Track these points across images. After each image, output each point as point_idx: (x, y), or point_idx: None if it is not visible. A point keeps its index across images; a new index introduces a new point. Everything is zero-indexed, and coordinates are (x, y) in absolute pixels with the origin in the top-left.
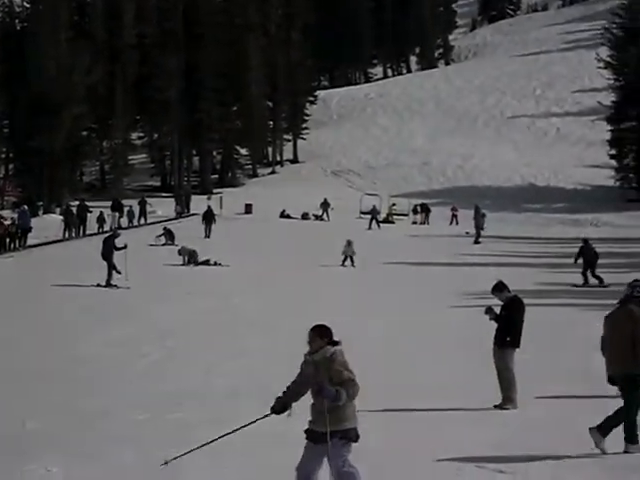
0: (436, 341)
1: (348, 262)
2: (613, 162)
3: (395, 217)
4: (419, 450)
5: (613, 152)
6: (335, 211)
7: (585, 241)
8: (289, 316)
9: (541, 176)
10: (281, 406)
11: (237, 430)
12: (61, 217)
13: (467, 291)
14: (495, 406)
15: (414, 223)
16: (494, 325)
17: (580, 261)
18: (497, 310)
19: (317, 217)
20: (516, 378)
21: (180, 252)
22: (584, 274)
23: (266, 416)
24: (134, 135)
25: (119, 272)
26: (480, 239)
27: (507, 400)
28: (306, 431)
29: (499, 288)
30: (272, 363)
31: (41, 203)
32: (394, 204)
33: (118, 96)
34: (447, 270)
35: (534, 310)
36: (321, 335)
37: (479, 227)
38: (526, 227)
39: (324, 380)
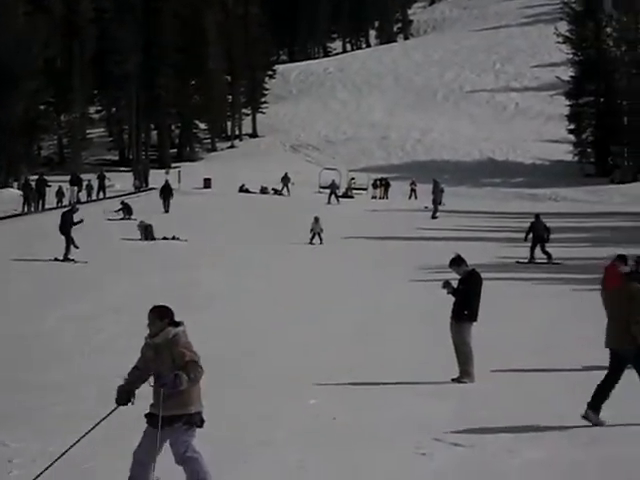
0: (394, 315)
1: (316, 239)
2: (571, 137)
3: (354, 192)
4: (377, 423)
5: (572, 127)
6: (294, 186)
7: (537, 216)
8: (248, 290)
9: (500, 151)
10: (125, 396)
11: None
12: (19, 191)
13: (425, 265)
14: (453, 379)
15: (374, 198)
16: (451, 299)
17: (530, 237)
18: (454, 284)
19: (276, 192)
20: (473, 352)
21: (139, 227)
22: (532, 250)
23: (114, 410)
24: (92, 109)
25: (77, 247)
26: (438, 214)
27: (464, 373)
28: (146, 415)
29: (457, 262)
30: (232, 335)
31: None
32: (353, 178)
33: (76, 70)
34: (406, 244)
35: (491, 284)
36: (161, 316)
37: (437, 202)
38: (485, 202)
39: (163, 367)
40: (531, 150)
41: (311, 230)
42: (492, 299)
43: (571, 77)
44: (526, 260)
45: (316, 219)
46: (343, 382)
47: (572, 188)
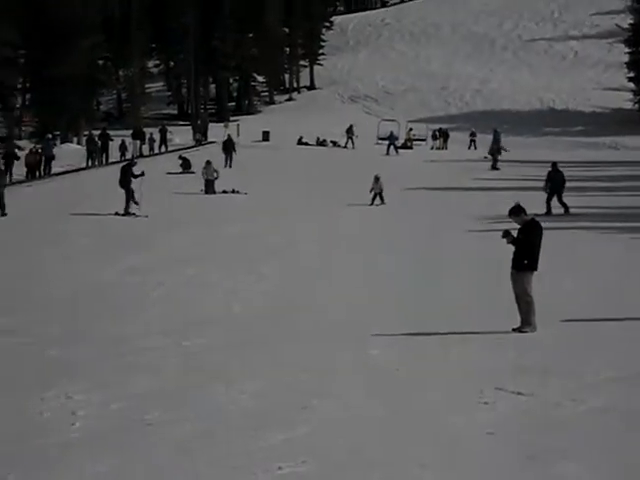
0: (454, 266)
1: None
2: (631, 85)
3: (413, 142)
4: (438, 373)
5: (631, 75)
6: (358, 138)
7: (554, 165)
8: (308, 242)
9: (559, 100)
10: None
11: None
12: (79, 146)
13: (485, 215)
14: (514, 329)
15: (433, 148)
16: (512, 249)
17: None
18: (515, 234)
19: (334, 144)
20: (534, 301)
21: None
22: (548, 201)
23: None
24: (150, 63)
25: (136, 203)
26: (498, 165)
27: (526, 323)
28: None
29: (516, 211)
30: (290, 288)
31: (58, 133)
32: (411, 129)
33: (134, 24)
34: (466, 195)
35: (552, 233)
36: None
37: (496, 153)
38: (545, 151)
39: None
40: (591, 99)
41: (371, 190)
42: (553, 248)
43: (630, 24)
44: (543, 212)
45: (376, 178)
46: (403, 332)
47: (632, 136)
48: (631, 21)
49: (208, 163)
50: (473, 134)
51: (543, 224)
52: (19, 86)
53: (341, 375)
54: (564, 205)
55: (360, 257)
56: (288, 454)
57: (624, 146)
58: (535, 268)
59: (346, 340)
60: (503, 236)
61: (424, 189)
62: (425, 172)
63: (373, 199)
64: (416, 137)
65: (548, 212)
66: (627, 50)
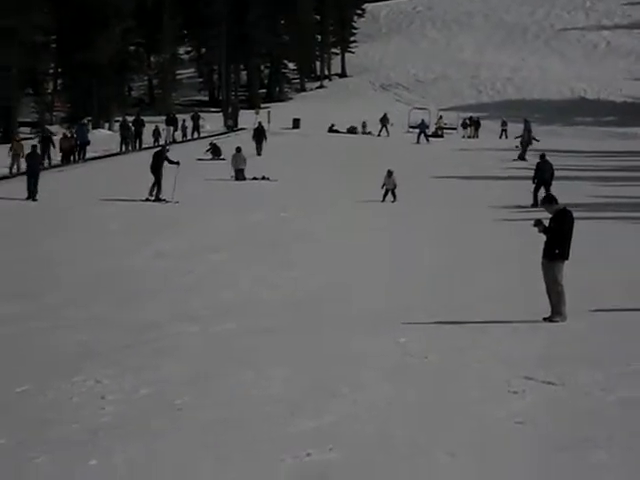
0: (484, 254)
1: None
2: None
3: (444, 131)
4: (468, 361)
5: None
6: (392, 126)
7: (542, 157)
8: (337, 229)
9: (591, 89)
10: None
11: None
12: (110, 132)
13: (516, 204)
14: (544, 319)
15: (464, 137)
16: (542, 237)
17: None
18: (546, 223)
19: (365, 132)
20: (565, 290)
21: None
22: (535, 192)
23: None
24: (182, 50)
25: (159, 188)
26: (527, 156)
27: (556, 313)
28: None
29: (548, 200)
30: (319, 274)
31: (90, 118)
32: (441, 117)
33: (166, 10)
34: (496, 184)
35: (584, 223)
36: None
37: (526, 143)
38: (576, 140)
39: None
40: (622, 88)
41: (383, 185)
42: (585, 238)
43: None
44: (530, 204)
45: (389, 173)
46: (432, 321)
47: None
48: None
49: (238, 151)
50: (504, 123)
51: (616, 211)
52: (51, 71)
53: (370, 363)
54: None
55: (388, 245)
56: (316, 441)
57: None
58: (566, 257)
59: (375, 328)
60: (534, 225)
61: (453, 177)
62: (455, 161)
63: (385, 195)
64: (447, 125)
65: (535, 204)
66: None
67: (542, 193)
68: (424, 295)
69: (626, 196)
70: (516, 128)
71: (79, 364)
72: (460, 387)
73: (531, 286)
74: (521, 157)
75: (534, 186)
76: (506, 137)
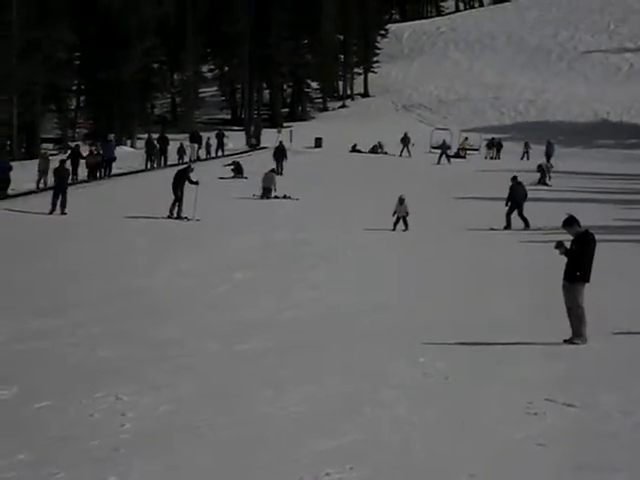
0: (505, 275)
1: (400, 225)
2: None
3: (467, 152)
4: (489, 383)
5: None
6: (414, 147)
7: (514, 179)
8: (358, 248)
9: (614, 112)
10: None
11: None
12: (131, 149)
13: (536, 226)
14: (565, 341)
15: (487, 158)
16: (564, 260)
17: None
18: (568, 245)
19: (382, 151)
20: (586, 313)
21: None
22: (508, 215)
23: None
24: (205, 68)
25: (180, 210)
26: (549, 180)
27: (577, 335)
28: None
29: (570, 222)
30: (341, 294)
31: (113, 135)
32: (467, 138)
33: (189, 29)
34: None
35: (606, 246)
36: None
37: (547, 168)
38: (599, 163)
39: None
40: None
41: (394, 213)
42: (606, 261)
43: None
44: (502, 227)
45: (401, 200)
46: (454, 342)
47: None
48: None
49: (271, 171)
50: (527, 145)
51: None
52: (74, 88)
53: (391, 382)
54: (524, 220)
55: (411, 265)
56: (336, 460)
57: None
58: (587, 280)
59: (397, 347)
60: (556, 247)
61: (474, 198)
62: (476, 181)
63: (396, 223)
64: (470, 147)
65: (508, 226)
66: None
67: (515, 216)
68: (444, 315)
69: (491, 227)
70: (539, 150)
71: (100, 380)
72: (480, 408)
73: (552, 308)
74: (542, 182)
75: (507, 209)
76: (528, 159)
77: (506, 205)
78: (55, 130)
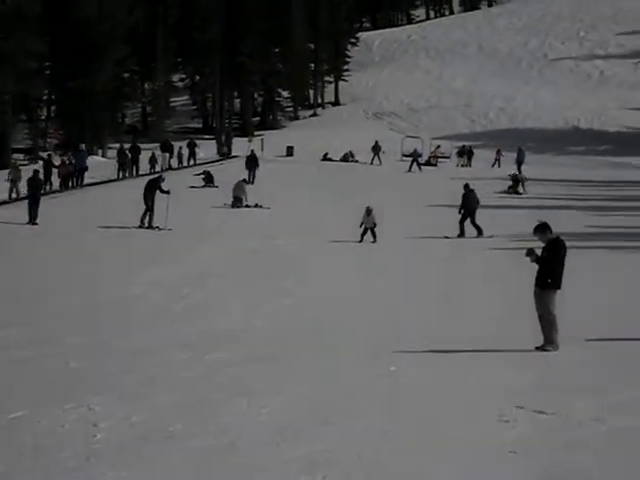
0: (475, 283)
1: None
2: None
3: (438, 160)
4: (459, 390)
5: None
6: (384, 154)
7: (466, 186)
8: (331, 257)
9: (584, 119)
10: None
11: None
12: (103, 159)
13: (508, 233)
14: (536, 348)
15: (458, 165)
16: (534, 267)
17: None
18: (538, 252)
19: (353, 159)
20: (557, 319)
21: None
22: (461, 223)
23: None
24: (176, 77)
25: (150, 220)
26: (522, 189)
27: (548, 341)
28: None
29: (541, 229)
30: (313, 303)
31: (83, 145)
32: (439, 146)
33: (159, 38)
34: (489, 212)
35: (578, 252)
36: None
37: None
38: (569, 170)
39: None
40: (616, 118)
41: (361, 224)
42: (578, 267)
43: None
44: (456, 235)
45: (368, 211)
46: (424, 350)
47: None
48: None
49: (243, 181)
50: (499, 152)
51: (609, 240)
52: (44, 98)
53: (362, 391)
54: (477, 227)
55: (382, 274)
56: (309, 469)
57: None
58: (559, 287)
59: (367, 356)
60: (527, 254)
61: (445, 206)
62: (447, 189)
63: (363, 235)
64: (440, 154)
65: (461, 234)
66: None
67: (467, 223)
68: (415, 325)
69: (618, 226)
70: (510, 158)
71: (71, 391)
72: (451, 416)
73: (523, 315)
74: (514, 190)
75: (460, 216)
76: (499, 166)
77: (459, 213)
78: (26, 140)
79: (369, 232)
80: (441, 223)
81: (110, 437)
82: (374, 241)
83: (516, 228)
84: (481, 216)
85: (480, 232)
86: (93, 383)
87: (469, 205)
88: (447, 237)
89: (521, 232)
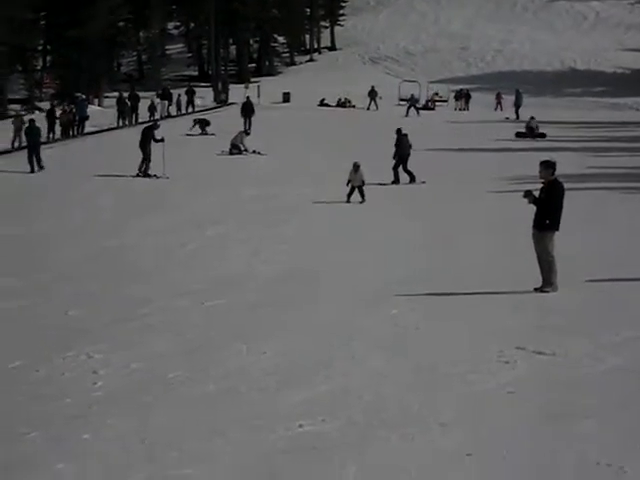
0: (475, 226)
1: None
2: None
3: (435, 104)
4: (459, 332)
5: None
6: (381, 100)
7: (399, 131)
8: (329, 203)
9: (581, 60)
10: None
11: None
12: (99, 108)
13: (506, 176)
14: (535, 289)
15: (455, 109)
16: (532, 208)
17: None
18: (536, 194)
19: (350, 105)
20: (556, 261)
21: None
22: (395, 169)
23: None
24: (171, 25)
25: (148, 162)
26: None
27: (547, 283)
28: None
29: (546, 165)
30: (311, 249)
31: (79, 94)
32: (437, 93)
33: None
34: (487, 156)
35: (579, 194)
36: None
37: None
38: (566, 111)
39: None
40: (612, 59)
41: (348, 182)
42: (578, 208)
43: None
44: (390, 182)
45: (355, 167)
46: (423, 292)
47: None
48: None
49: (242, 132)
50: (499, 95)
51: (607, 181)
52: (40, 48)
53: (362, 335)
54: (409, 174)
55: (382, 219)
56: (309, 413)
57: None
58: (557, 228)
59: (368, 300)
60: (524, 196)
61: (444, 150)
62: (447, 133)
63: (350, 194)
64: (438, 98)
65: (395, 180)
66: None
67: (400, 170)
68: (416, 268)
69: (616, 166)
70: (509, 101)
71: (71, 340)
72: (451, 357)
73: (523, 256)
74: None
75: (394, 162)
76: (501, 109)
77: (393, 159)
78: (22, 91)
79: (356, 191)
80: (439, 167)
81: (111, 385)
82: (362, 201)
83: (514, 171)
84: (481, 159)
85: (413, 178)
86: (92, 332)
87: (402, 151)
88: (382, 184)
89: (519, 175)
